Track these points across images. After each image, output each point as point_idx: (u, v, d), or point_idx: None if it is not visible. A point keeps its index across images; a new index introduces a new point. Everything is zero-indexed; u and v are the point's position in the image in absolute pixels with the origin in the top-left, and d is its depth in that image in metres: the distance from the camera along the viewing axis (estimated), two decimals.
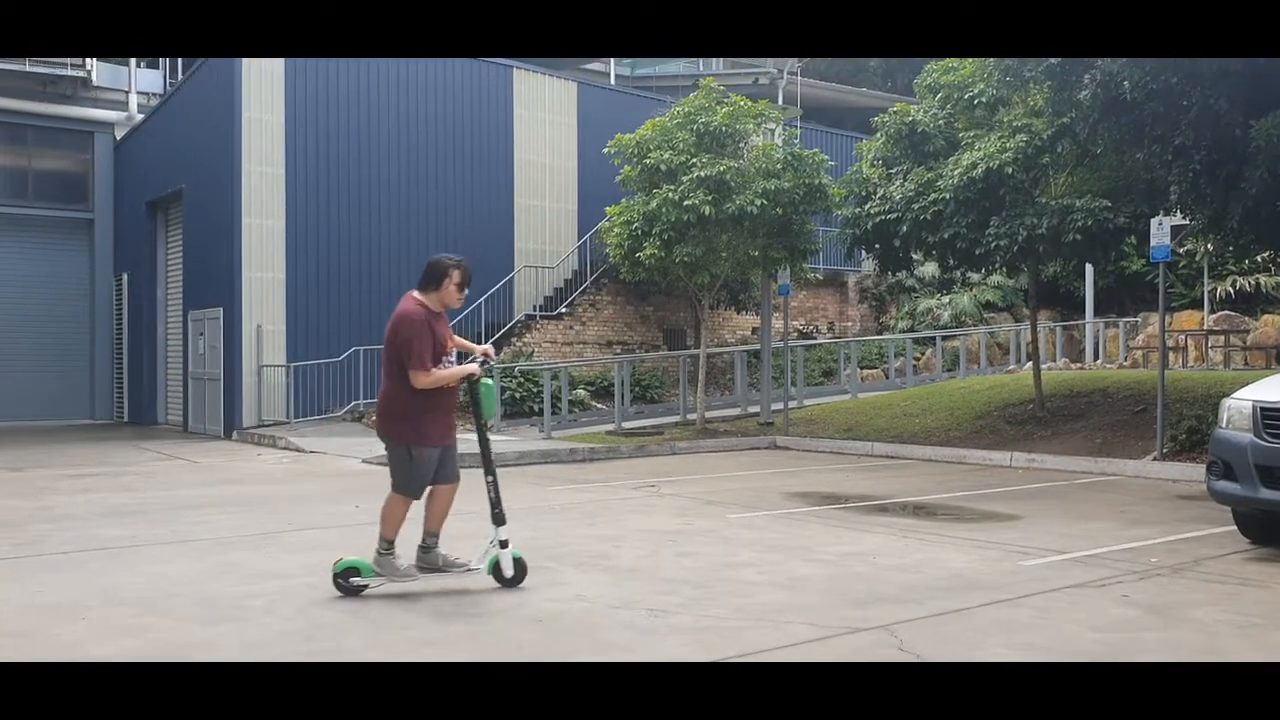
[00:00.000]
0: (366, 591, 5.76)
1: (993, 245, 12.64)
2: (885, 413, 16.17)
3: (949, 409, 15.56)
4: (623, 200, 16.21)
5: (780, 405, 16.36)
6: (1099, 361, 21.13)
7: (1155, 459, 11.43)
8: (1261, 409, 6.74)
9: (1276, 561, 6.60)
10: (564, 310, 20.62)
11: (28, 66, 22.32)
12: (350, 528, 8.16)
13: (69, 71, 22.90)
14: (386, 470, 6.00)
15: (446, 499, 5.92)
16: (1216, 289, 21.02)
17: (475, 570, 5.90)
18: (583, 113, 21.89)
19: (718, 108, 15.51)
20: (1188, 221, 11.72)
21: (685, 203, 14.58)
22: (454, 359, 5.88)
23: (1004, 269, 14.59)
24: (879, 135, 14.36)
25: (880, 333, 24.79)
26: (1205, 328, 19.42)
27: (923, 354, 22.71)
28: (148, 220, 22.34)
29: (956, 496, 9.96)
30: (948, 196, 12.83)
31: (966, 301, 23.93)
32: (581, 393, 18.83)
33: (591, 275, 21.08)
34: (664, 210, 14.77)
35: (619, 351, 20.63)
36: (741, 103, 15.60)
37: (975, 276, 22.39)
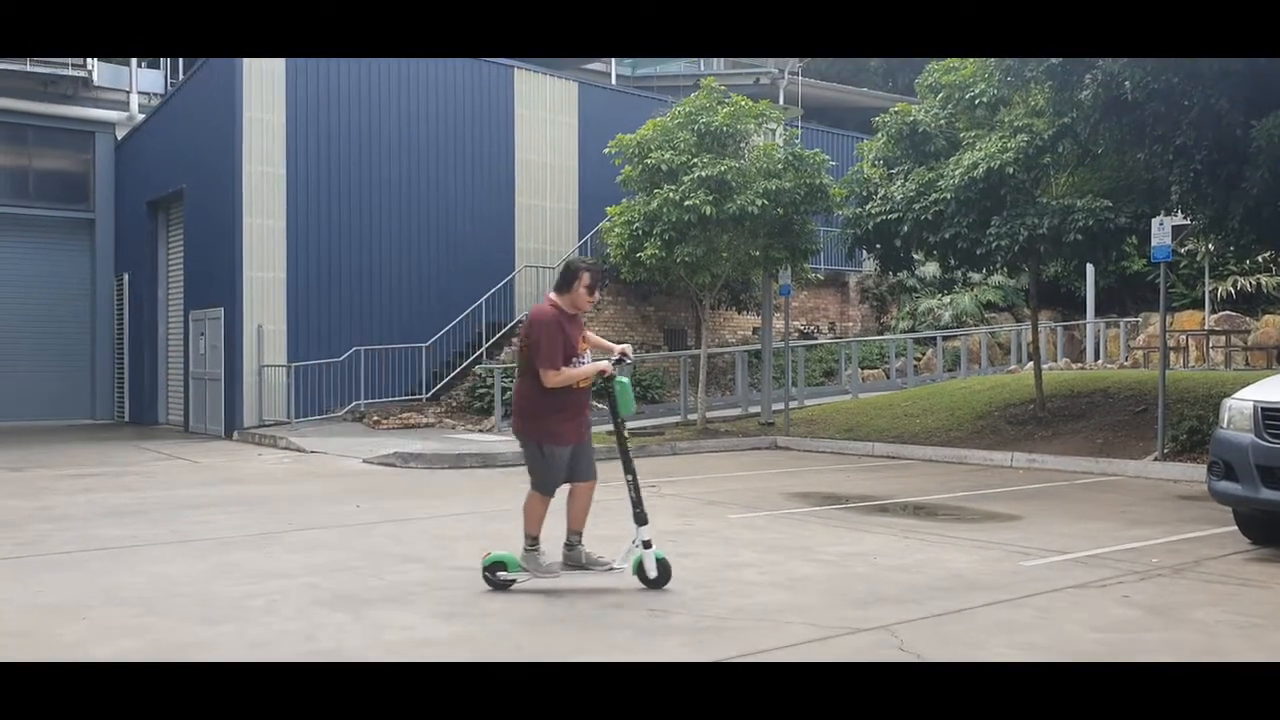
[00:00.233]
0: (515, 586, 5.80)
1: (994, 245, 12.64)
2: (886, 413, 16.17)
3: (950, 409, 15.56)
4: (623, 200, 16.20)
5: (781, 405, 16.36)
6: (1100, 361, 21.12)
7: (1156, 459, 11.42)
8: (1262, 409, 6.73)
9: (1277, 562, 6.60)
10: None
11: (29, 66, 22.32)
12: (351, 527, 8.17)
13: (70, 71, 22.90)
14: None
15: (585, 497, 5.94)
16: (1217, 289, 21.02)
17: (619, 570, 5.88)
18: (584, 112, 21.89)
19: (719, 108, 15.50)
20: (1189, 221, 11.71)
21: (686, 203, 14.56)
22: (586, 359, 5.88)
23: (1005, 269, 14.59)
24: (880, 135, 14.36)
25: (881, 333, 24.79)
26: (1206, 328, 19.42)
27: (924, 354, 22.71)
28: (149, 220, 22.34)
29: (957, 497, 9.96)
30: (949, 196, 12.83)
31: (967, 302, 23.93)
32: None
33: None
34: (665, 210, 14.76)
35: None
36: (742, 103, 15.59)
37: (976, 276, 22.35)
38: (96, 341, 24.31)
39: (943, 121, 13.83)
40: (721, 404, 19.42)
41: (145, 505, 9.59)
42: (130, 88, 24.07)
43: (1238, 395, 7.12)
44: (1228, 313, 20.25)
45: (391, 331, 19.35)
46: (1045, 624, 5.08)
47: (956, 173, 12.75)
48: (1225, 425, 7.03)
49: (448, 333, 19.75)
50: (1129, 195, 12.32)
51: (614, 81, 26.90)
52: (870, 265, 22.51)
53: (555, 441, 5.75)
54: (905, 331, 23.46)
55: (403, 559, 6.83)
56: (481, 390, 18.66)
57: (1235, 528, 7.24)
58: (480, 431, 16.84)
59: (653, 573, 5.81)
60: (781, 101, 25.17)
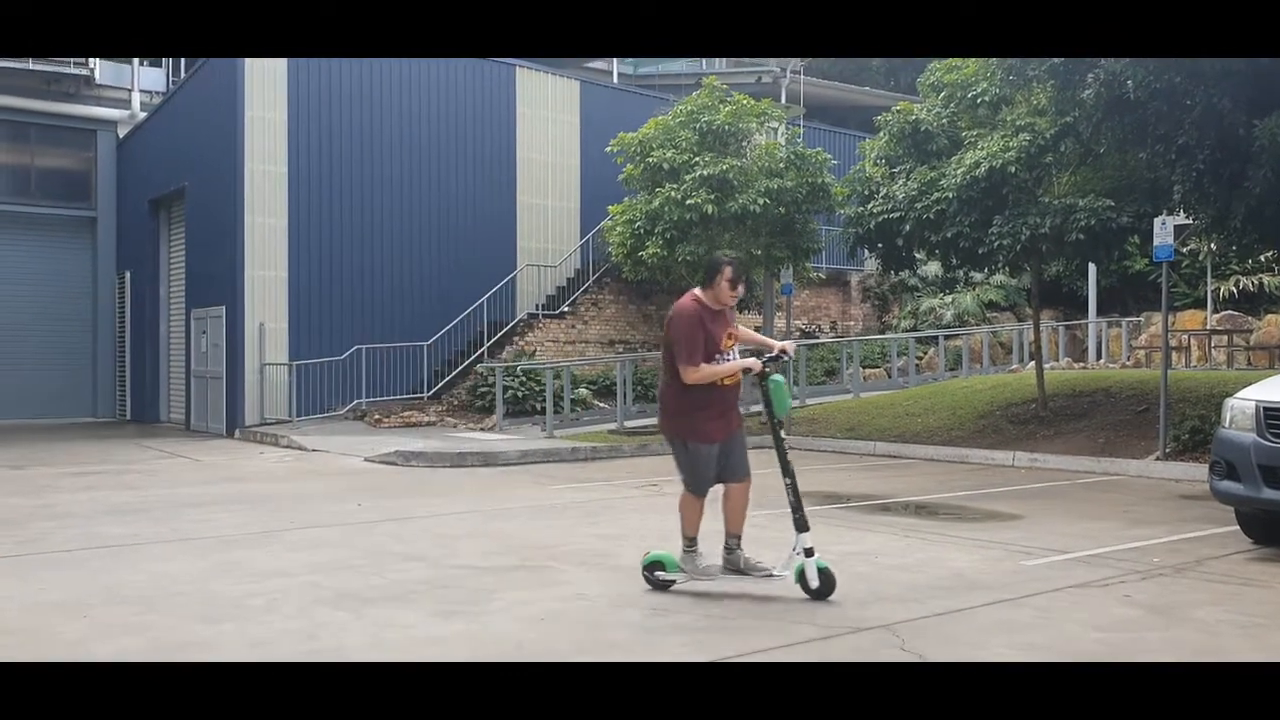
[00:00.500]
0: (674, 587, 5.73)
1: (995, 244, 12.63)
2: (888, 412, 16.16)
3: (951, 408, 15.55)
4: (625, 199, 16.22)
5: None
6: (1102, 361, 21.11)
7: (1158, 459, 11.41)
8: (1264, 409, 6.73)
9: (1279, 561, 6.60)
10: (566, 309, 20.62)
11: (31, 65, 22.34)
12: (353, 526, 8.17)
13: (72, 70, 22.93)
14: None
15: (740, 498, 5.74)
16: (1220, 289, 20.99)
17: (780, 577, 5.61)
18: (585, 111, 21.88)
19: (720, 106, 15.51)
20: (1191, 221, 11.70)
21: (688, 201, 14.58)
22: (732, 356, 5.65)
23: (1007, 268, 14.57)
24: (882, 134, 14.35)
25: (883, 332, 24.78)
26: (1208, 327, 19.40)
27: (925, 353, 22.69)
28: (150, 218, 22.36)
29: (959, 496, 9.95)
30: (951, 195, 12.82)
31: (969, 301, 23.91)
32: (584, 392, 18.83)
33: (594, 274, 21.07)
34: (666, 209, 14.77)
35: (621, 350, 20.62)
36: (744, 101, 15.60)
37: (978, 276, 22.39)
38: (98, 340, 24.33)
39: (945, 121, 13.83)
40: None
41: (147, 503, 9.60)
42: (132, 86, 24.08)
43: (1240, 395, 7.11)
44: (1230, 312, 20.24)
45: (393, 330, 19.35)
46: (1046, 624, 5.08)
47: (958, 172, 12.74)
48: (1227, 425, 7.02)
49: (449, 331, 19.75)
50: (1131, 195, 12.31)
51: (616, 80, 26.88)
52: (872, 264, 22.52)
53: (700, 439, 5.58)
54: (907, 331, 23.44)
55: (404, 558, 6.83)
56: (483, 389, 18.67)
57: (1237, 527, 7.24)
58: (482, 430, 16.86)
59: (814, 582, 5.50)
60: (783, 100, 25.17)
